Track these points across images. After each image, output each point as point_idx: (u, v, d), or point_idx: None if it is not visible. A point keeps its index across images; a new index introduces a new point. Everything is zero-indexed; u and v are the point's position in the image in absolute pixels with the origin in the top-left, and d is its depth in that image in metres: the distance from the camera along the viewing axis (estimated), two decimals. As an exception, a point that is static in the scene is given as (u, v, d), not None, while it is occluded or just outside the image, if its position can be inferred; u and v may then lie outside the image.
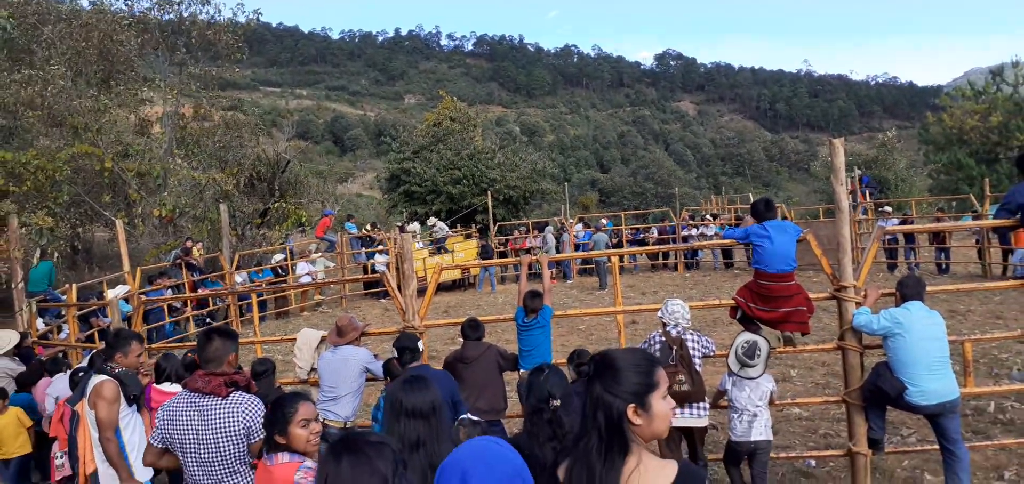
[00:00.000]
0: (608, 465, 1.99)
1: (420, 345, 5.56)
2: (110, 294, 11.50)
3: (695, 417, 5.29)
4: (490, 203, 23.95)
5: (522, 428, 3.22)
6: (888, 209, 19.34)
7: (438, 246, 20.05)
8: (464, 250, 21.07)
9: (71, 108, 18.86)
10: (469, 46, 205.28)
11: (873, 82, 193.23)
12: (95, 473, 4.78)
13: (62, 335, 11.65)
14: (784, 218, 5.87)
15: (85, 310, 11.87)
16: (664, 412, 2.04)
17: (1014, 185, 5.62)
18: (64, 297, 11.99)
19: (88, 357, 7.25)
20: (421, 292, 6.68)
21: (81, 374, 5.88)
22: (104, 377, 4.69)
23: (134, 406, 4.87)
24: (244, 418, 3.57)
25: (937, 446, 5.35)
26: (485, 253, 20.56)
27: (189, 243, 16.03)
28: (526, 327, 6.12)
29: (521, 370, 6.05)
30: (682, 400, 5.23)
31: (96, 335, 11.74)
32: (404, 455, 2.82)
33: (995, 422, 7.05)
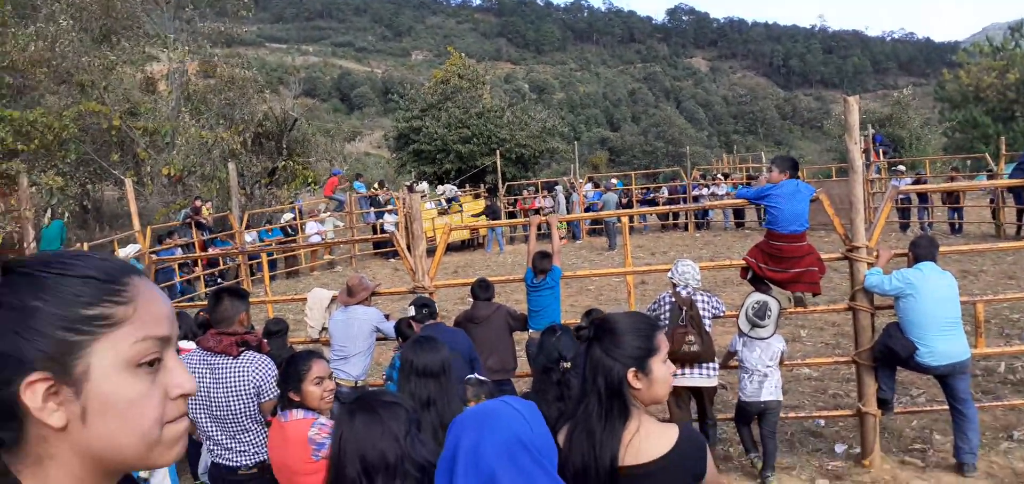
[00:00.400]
0: (608, 429, 1.99)
1: (435, 304, 5.60)
2: (121, 253, 11.58)
3: (705, 377, 5.29)
4: (499, 163, 23.86)
5: (531, 387, 3.23)
6: (902, 168, 19.15)
7: (448, 203, 20.00)
8: (473, 209, 21.06)
9: (78, 65, 18.79)
10: (477, 1, 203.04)
11: (889, 38, 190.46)
12: None
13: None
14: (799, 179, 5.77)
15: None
16: (664, 376, 2.03)
17: None
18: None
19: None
20: (430, 252, 6.68)
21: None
22: None
23: None
24: (255, 377, 3.61)
25: (946, 406, 5.35)
26: (491, 213, 20.49)
27: (198, 202, 16.06)
28: (535, 288, 6.12)
29: (531, 330, 6.06)
30: (692, 360, 5.23)
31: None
32: (416, 414, 2.85)
33: (1005, 382, 7.04)
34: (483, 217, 20.00)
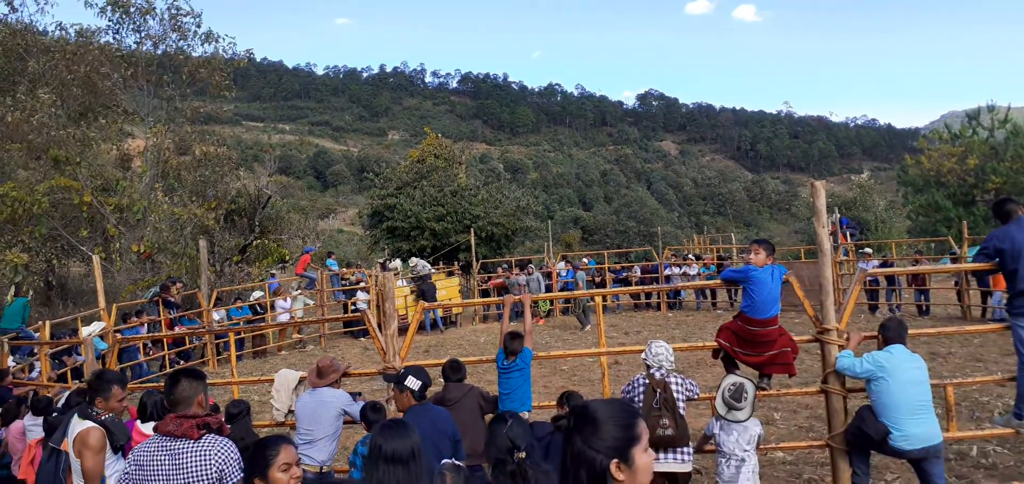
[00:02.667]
0: None
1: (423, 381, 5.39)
2: (84, 331, 11.30)
3: (679, 462, 5.21)
4: (473, 240, 23.91)
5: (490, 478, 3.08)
6: (869, 251, 19.49)
7: (422, 291, 19.28)
8: (446, 288, 20.94)
9: (53, 139, 18.68)
10: (454, 83, 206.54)
11: (852, 124, 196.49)
12: None
13: (33, 373, 11.38)
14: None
15: (58, 348, 11.63)
16: (647, 465, 1.96)
17: (993, 229, 5.67)
18: (37, 335, 11.74)
19: (65, 396, 7.07)
20: (403, 331, 6.59)
21: (54, 414, 5.72)
22: (90, 424, 4.41)
23: (119, 454, 4.68)
24: (217, 461, 3.46)
25: (922, 492, 5.30)
26: (422, 295, 18.72)
27: (170, 283, 15.79)
28: (505, 370, 6.05)
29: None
30: (666, 445, 5.15)
31: (69, 373, 11.48)
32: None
33: (978, 466, 7.02)
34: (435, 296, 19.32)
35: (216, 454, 3.48)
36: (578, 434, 1.98)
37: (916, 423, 5.07)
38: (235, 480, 3.46)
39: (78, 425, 4.41)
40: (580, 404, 2.07)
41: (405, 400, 4.95)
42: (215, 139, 24.68)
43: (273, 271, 20.55)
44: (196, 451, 3.47)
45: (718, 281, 7.40)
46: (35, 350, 11.73)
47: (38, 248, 18.58)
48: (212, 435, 3.57)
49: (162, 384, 7.35)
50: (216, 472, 3.46)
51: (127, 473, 3.55)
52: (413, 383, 4.96)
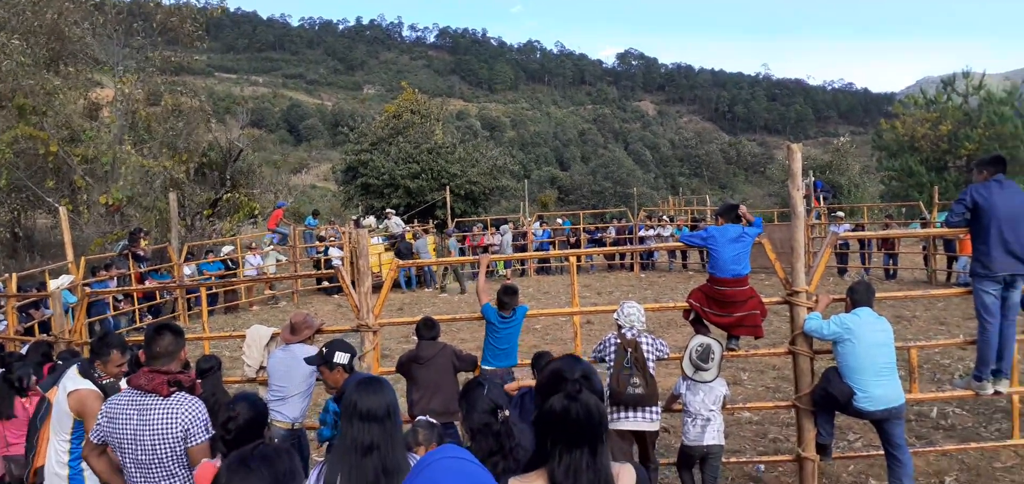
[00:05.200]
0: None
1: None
2: (52, 284, 11.11)
3: (647, 421, 5.28)
4: (449, 199, 23.79)
5: (466, 443, 3.07)
6: (841, 214, 19.73)
7: (395, 246, 19.15)
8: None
9: (19, 87, 18.17)
10: (431, 38, 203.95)
11: (829, 87, 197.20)
12: (42, 468, 4.56)
13: (0, 327, 11.20)
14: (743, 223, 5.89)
15: (25, 301, 11.45)
16: None
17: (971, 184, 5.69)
18: (3, 287, 11.55)
19: (26, 348, 6.96)
20: (376, 289, 6.56)
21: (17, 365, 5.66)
22: (90, 386, 4.26)
23: None
24: (183, 420, 3.45)
25: (882, 451, 5.44)
26: (399, 254, 17.94)
27: (137, 233, 15.54)
28: (503, 324, 6.07)
29: (489, 368, 5.99)
30: (636, 403, 5.22)
31: (36, 327, 11.33)
32: (355, 458, 2.75)
33: (937, 427, 7.22)
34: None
35: (183, 413, 3.47)
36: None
37: (880, 385, 5.18)
38: (200, 440, 3.47)
39: (76, 382, 4.29)
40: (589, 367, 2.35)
41: (337, 377, 4.58)
42: (187, 90, 24.19)
43: (242, 226, 20.31)
44: (163, 408, 3.45)
45: (690, 244, 7.51)
46: (2, 303, 11.53)
47: (3, 199, 18.16)
48: (182, 393, 3.55)
49: (135, 339, 7.27)
50: (181, 431, 3.45)
51: (99, 424, 3.55)
52: (342, 358, 4.56)
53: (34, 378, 5.53)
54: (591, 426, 2.14)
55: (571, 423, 2.13)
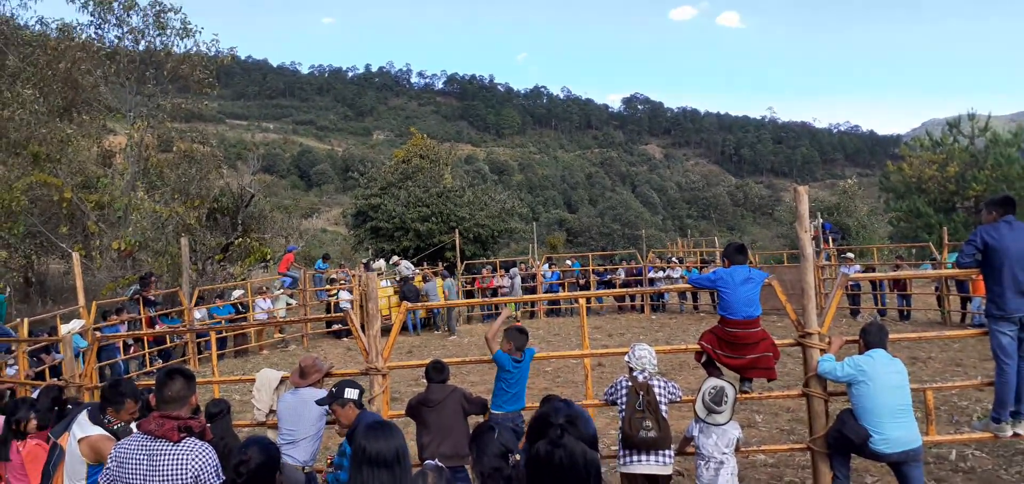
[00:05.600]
0: None
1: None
2: (63, 329, 11.14)
3: (660, 464, 5.21)
4: (458, 241, 23.85)
5: None
6: (850, 255, 19.65)
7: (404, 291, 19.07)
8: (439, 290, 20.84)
9: (34, 136, 18.46)
10: (439, 84, 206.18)
11: (835, 130, 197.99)
12: None
13: (11, 372, 11.20)
14: (750, 265, 5.87)
15: (36, 346, 11.47)
16: None
17: (981, 225, 5.67)
18: (15, 332, 11.58)
19: (37, 393, 6.94)
20: (385, 332, 6.55)
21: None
22: (102, 432, 4.28)
23: None
24: (194, 465, 3.42)
25: (901, 495, 5.34)
26: (404, 297, 17.51)
27: (148, 278, 15.60)
28: (517, 367, 6.04)
29: (499, 413, 5.94)
30: (649, 447, 5.16)
31: (47, 372, 11.33)
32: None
33: (957, 470, 7.09)
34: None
35: (193, 460, 3.44)
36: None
37: (896, 427, 5.11)
38: (210, 486, 3.43)
39: (87, 428, 4.28)
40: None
41: (349, 413, 4.71)
42: (198, 136, 24.48)
43: (252, 270, 20.39)
44: (173, 454, 3.43)
45: (700, 286, 7.49)
46: (13, 348, 11.55)
47: (17, 245, 18.31)
48: (192, 439, 3.52)
49: (142, 385, 7.26)
50: (191, 477, 3.42)
51: (108, 469, 3.52)
52: (352, 393, 4.74)
53: (35, 422, 5.49)
54: (576, 472, 2.11)
55: (555, 468, 2.10)
